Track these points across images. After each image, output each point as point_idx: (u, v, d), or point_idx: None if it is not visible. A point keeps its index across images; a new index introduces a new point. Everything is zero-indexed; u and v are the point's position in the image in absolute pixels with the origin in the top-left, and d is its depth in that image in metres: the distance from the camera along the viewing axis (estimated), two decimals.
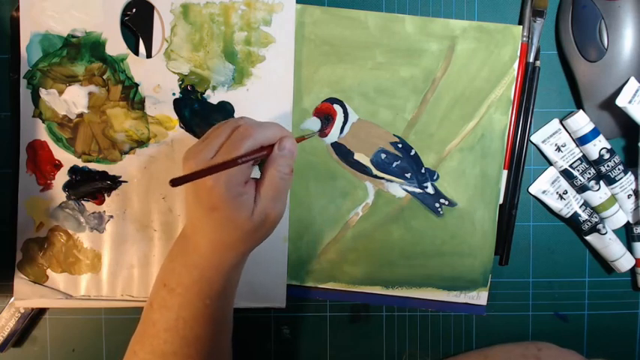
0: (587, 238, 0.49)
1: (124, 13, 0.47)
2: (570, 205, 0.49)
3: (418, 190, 0.49)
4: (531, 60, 0.48)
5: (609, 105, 0.47)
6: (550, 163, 0.50)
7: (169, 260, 0.40)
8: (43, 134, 0.47)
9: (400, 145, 0.48)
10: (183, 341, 0.38)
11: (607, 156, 0.47)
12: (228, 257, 0.38)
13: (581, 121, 0.47)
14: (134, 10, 0.47)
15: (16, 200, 0.47)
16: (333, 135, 0.48)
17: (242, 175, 0.36)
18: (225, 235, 0.37)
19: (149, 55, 0.47)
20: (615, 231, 0.49)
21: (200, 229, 0.38)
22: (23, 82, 0.47)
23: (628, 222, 0.49)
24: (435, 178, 0.49)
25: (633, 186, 0.48)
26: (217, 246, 0.37)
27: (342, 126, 0.48)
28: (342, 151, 0.48)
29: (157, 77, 0.47)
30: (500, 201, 0.49)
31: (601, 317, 0.51)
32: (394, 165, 0.49)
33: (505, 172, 0.49)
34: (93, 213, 0.48)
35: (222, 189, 0.35)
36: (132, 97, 0.47)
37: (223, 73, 0.47)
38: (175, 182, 0.33)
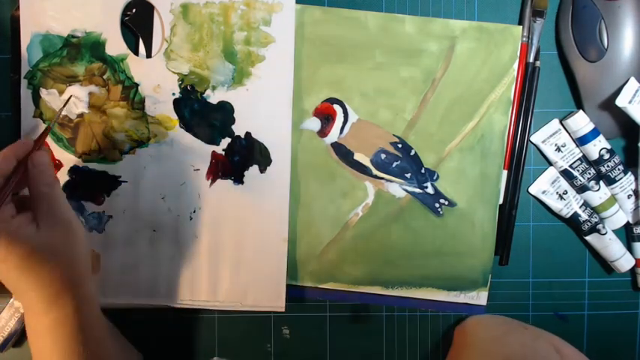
0: (587, 238, 0.49)
1: (124, 13, 0.47)
2: (570, 205, 0.49)
3: (418, 190, 0.49)
4: (531, 60, 0.48)
5: (609, 105, 0.47)
6: (550, 163, 0.50)
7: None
8: None
9: (400, 145, 0.48)
10: None
11: (607, 156, 0.47)
12: (58, 308, 0.36)
13: (581, 121, 0.47)
14: (134, 10, 0.47)
15: None
16: (333, 135, 0.48)
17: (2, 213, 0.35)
18: (29, 276, 0.35)
19: (149, 55, 0.47)
20: (615, 231, 0.49)
21: (13, 287, 0.36)
22: (24, 83, 0.47)
23: (628, 222, 0.49)
24: (434, 178, 0.49)
25: (633, 186, 0.48)
26: (35, 288, 0.36)
27: (342, 126, 0.48)
28: (342, 151, 0.48)
29: (156, 77, 0.47)
30: (500, 201, 0.49)
31: (601, 317, 0.51)
32: (394, 165, 0.49)
33: (505, 172, 0.49)
34: (92, 213, 0.48)
35: None
36: (132, 97, 0.47)
37: (223, 73, 0.47)
38: None
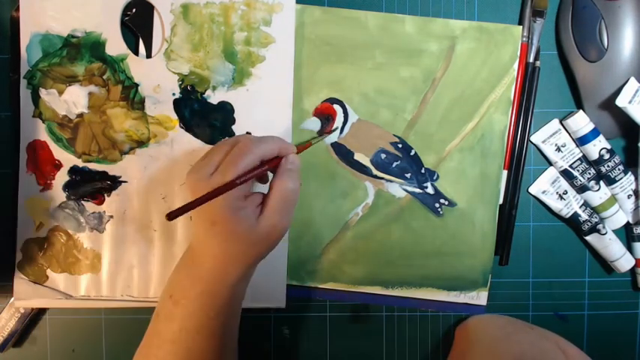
0: (587, 238, 0.49)
1: (124, 13, 0.47)
2: (570, 205, 0.49)
3: (418, 191, 0.49)
4: (531, 60, 0.48)
5: (609, 105, 0.47)
6: (550, 163, 0.50)
7: (176, 272, 0.40)
8: (43, 134, 0.47)
9: (400, 145, 0.48)
10: (186, 354, 0.38)
11: (607, 156, 0.47)
12: (232, 271, 0.38)
13: (581, 121, 0.47)
14: (134, 10, 0.47)
15: (16, 200, 0.47)
16: (333, 135, 0.48)
17: (240, 191, 0.36)
18: (228, 248, 0.37)
19: (149, 55, 0.47)
20: (615, 231, 0.49)
21: (204, 243, 0.38)
22: (23, 82, 0.47)
23: (628, 222, 0.49)
24: (434, 178, 0.49)
25: (633, 186, 0.48)
26: (221, 259, 0.38)
27: (342, 126, 0.48)
28: (342, 151, 0.48)
29: (156, 77, 0.47)
30: (500, 201, 0.49)
31: (601, 317, 0.51)
32: (394, 165, 0.49)
33: (505, 172, 0.49)
34: (93, 213, 0.48)
35: (219, 205, 0.36)
36: (132, 97, 0.47)
37: (223, 73, 0.47)
38: (171, 216, 0.33)
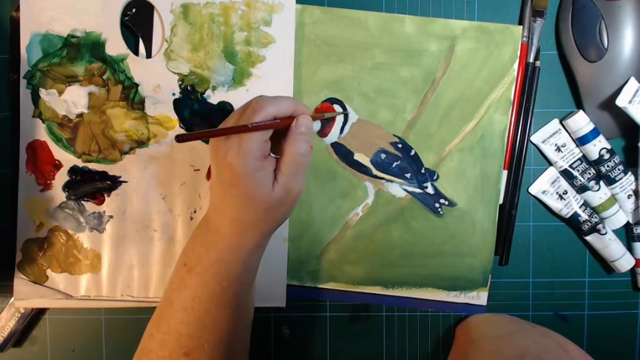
0: (587, 238, 0.49)
1: (124, 13, 0.47)
2: (570, 205, 0.49)
3: (418, 190, 0.49)
4: (531, 60, 0.48)
5: (609, 105, 0.47)
6: (550, 163, 0.50)
7: (191, 240, 0.40)
8: (42, 134, 0.47)
9: (400, 145, 0.48)
10: (199, 323, 0.38)
11: (607, 156, 0.47)
12: (248, 238, 0.38)
13: (581, 121, 0.47)
14: (134, 10, 0.47)
15: (16, 200, 0.47)
16: (333, 135, 0.48)
17: (259, 149, 0.36)
18: (245, 213, 0.37)
19: (149, 55, 0.47)
20: (615, 231, 0.49)
21: (221, 209, 0.38)
22: (23, 83, 0.47)
23: (628, 222, 0.49)
24: (434, 178, 0.49)
25: (633, 186, 0.48)
26: (237, 225, 0.38)
27: (342, 126, 0.48)
28: (342, 151, 0.48)
29: (156, 77, 0.47)
30: (500, 201, 0.49)
31: (601, 317, 0.51)
32: (394, 165, 0.49)
33: (505, 172, 0.49)
34: (93, 213, 0.48)
35: (240, 163, 0.36)
36: (132, 97, 0.47)
37: (223, 74, 0.47)
38: (180, 138, 0.34)
